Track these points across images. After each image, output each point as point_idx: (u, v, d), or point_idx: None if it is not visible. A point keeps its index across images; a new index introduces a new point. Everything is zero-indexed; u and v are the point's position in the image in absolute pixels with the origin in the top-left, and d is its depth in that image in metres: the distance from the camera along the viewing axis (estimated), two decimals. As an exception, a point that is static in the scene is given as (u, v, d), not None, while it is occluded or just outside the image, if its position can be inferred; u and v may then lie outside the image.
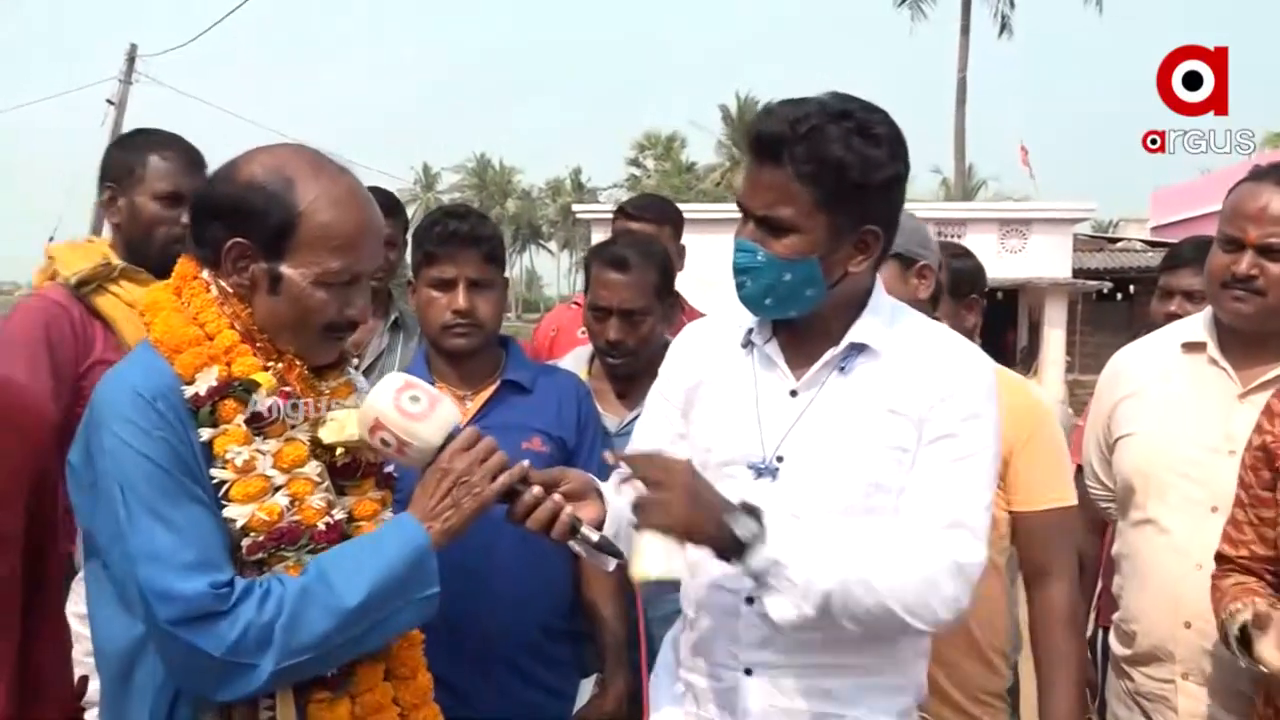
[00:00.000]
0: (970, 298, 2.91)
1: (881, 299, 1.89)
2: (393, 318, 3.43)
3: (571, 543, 1.70)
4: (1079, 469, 2.70)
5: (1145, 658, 2.42)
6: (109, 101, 20.93)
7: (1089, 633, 3.06)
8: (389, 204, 3.30)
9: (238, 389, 1.63)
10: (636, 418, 2.22)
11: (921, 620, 1.71)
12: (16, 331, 2.63)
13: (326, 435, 1.71)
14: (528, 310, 62.10)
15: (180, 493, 1.57)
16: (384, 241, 1.93)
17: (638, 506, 1.66)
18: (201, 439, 1.61)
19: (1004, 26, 38.97)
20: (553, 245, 79.59)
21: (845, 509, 1.78)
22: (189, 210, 1.80)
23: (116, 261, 2.71)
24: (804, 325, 1.86)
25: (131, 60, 21.18)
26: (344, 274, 1.68)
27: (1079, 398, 13.06)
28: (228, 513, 1.61)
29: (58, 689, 1.90)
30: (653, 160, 66.96)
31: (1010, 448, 2.34)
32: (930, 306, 2.49)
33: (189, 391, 1.62)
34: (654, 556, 1.65)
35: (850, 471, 1.78)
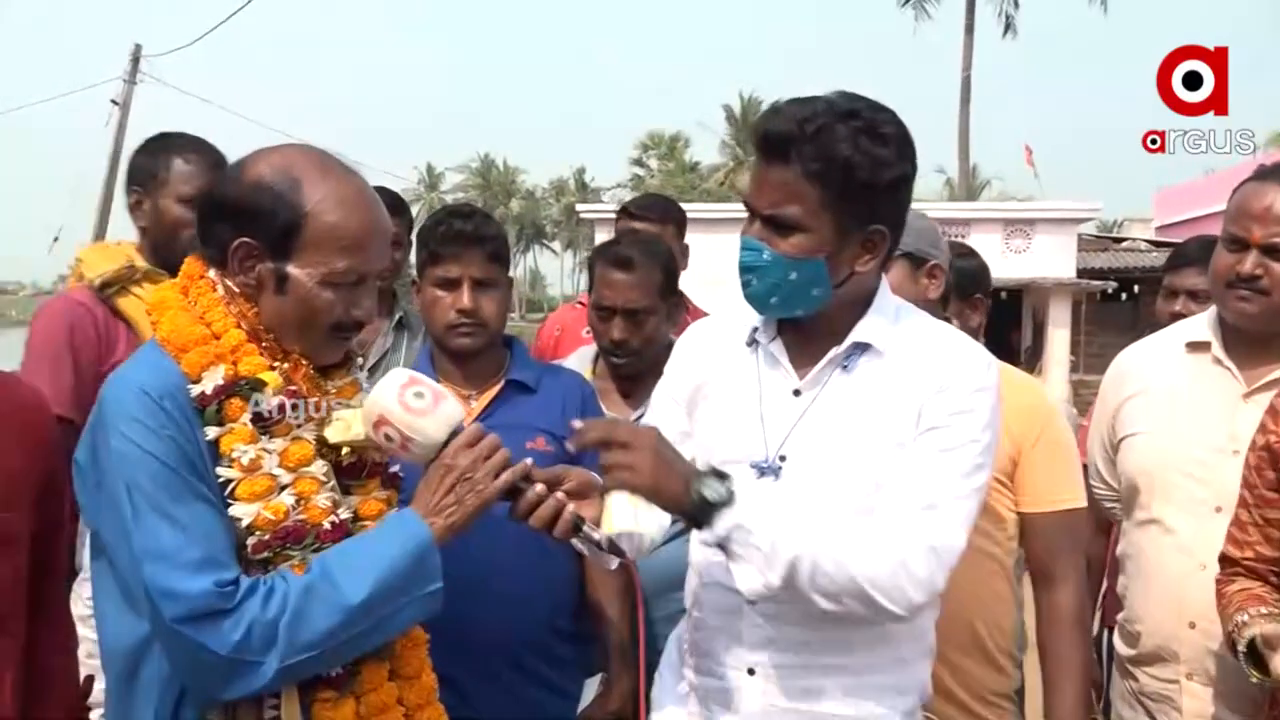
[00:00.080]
0: (975, 297, 2.91)
1: (886, 298, 1.89)
2: (397, 317, 3.43)
3: (574, 541, 1.70)
4: (1084, 469, 2.70)
5: (1150, 658, 2.42)
6: (114, 102, 20.96)
7: (1094, 633, 3.06)
8: (394, 204, 3.30)
9: (244, 388, 1.63)
10: (641, 417, 2.22)
11: (893, 601, 1.69)
12: (42, 332, 2.71)
13: (332, 434, 1.71)
14: (531, 310, 62.13)
15: (186, 491, 1.57)
16: (391, 242, 1.94)
17: (605, 468, 1.67)
18: (208, 438, 1.61)
19: (1008, 26, 38.92)
20: (556, 245, 79.67)
21: (848, 508, 1.77)
22: (196, 209, 1.80)
23: (140, 264, 2.76)
24: (809, 324, 1.86)
25: (136, 60, 21.20)
26: (350, 274, 1.69)
27: (1083, 398, 13.05)
28: (233, 511, 1.61)
29: (63, 689, 1.91)
30: (656, 160, 67.02)
31: (1019, 448, 2.34)
32: (940, 306, 2.49)
33: (195, 390, 1.62)
34: (621, 512, 1.66)
35: (853, 470, 1.78)
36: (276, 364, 1.69)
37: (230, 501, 1.61)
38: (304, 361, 1.73)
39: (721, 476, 1.69)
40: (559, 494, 1.69)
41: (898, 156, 1.75)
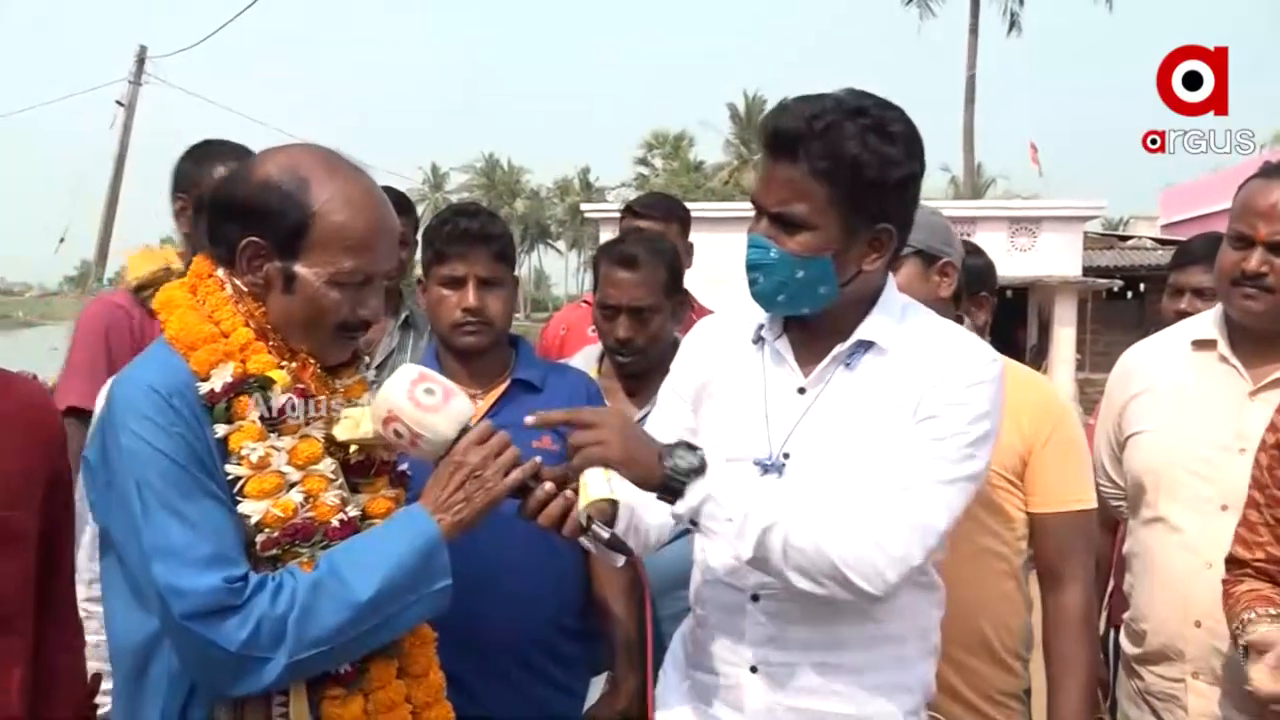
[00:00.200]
0: (981, 295, 2.90)
1: (892, 297, 1.89)
2: (403, 316, 3.43)
3: (582, 539, 1.70)
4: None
5: (1155, 656, 2.42)
6: (118, 103, 20.98)
7: (1100, 631, 3.05)
8: (400, 203, 3.31)
9: (253, 386, 1.64)
10: (646, 415, 2.22)
11: (867, 580, 1.68)
12: (80, 333, 2.87)
13: (340, 433, 1.72)
14: (536, 310, 62.16)
15: (196, 488, 1.58)
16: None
17: (573, 448, 1.68)
18: (217, 435, 1.62)
19: (1013, 24, 38.83)
20: (561, 245, 79.66)
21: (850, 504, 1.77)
22: (205, 209, 1.81)
23: (177, 266, 2.80)
24: (815, 322, 1.86)
25: (141, 62, 21.21)
26: (358, 274, 1.69)
27: (1089, 396, 13.03)
28: (242, 509, 1.61)
29: (70, 687, 1.91)
30: (661, 159, 66.98)
31: (1029, 447, 2.33)
32: (953, 305, 2.48)
33: (204, 388, 1.63)
34: (596, 483, 1.67)
35: (855, 467, 1.78)
36: (284, 363, 1.70)
37: (239, 499, 1.62)
38: (311, 361, 1.73)
39: (692, 448, 1.70)
40: (567, 492, 1.70)
41: (906, 155, 1.75)
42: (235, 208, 1.69)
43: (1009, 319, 19.04)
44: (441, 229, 2.50)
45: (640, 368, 2.80)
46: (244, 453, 1.62)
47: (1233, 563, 2.12)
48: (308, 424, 1.69)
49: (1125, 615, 2.57)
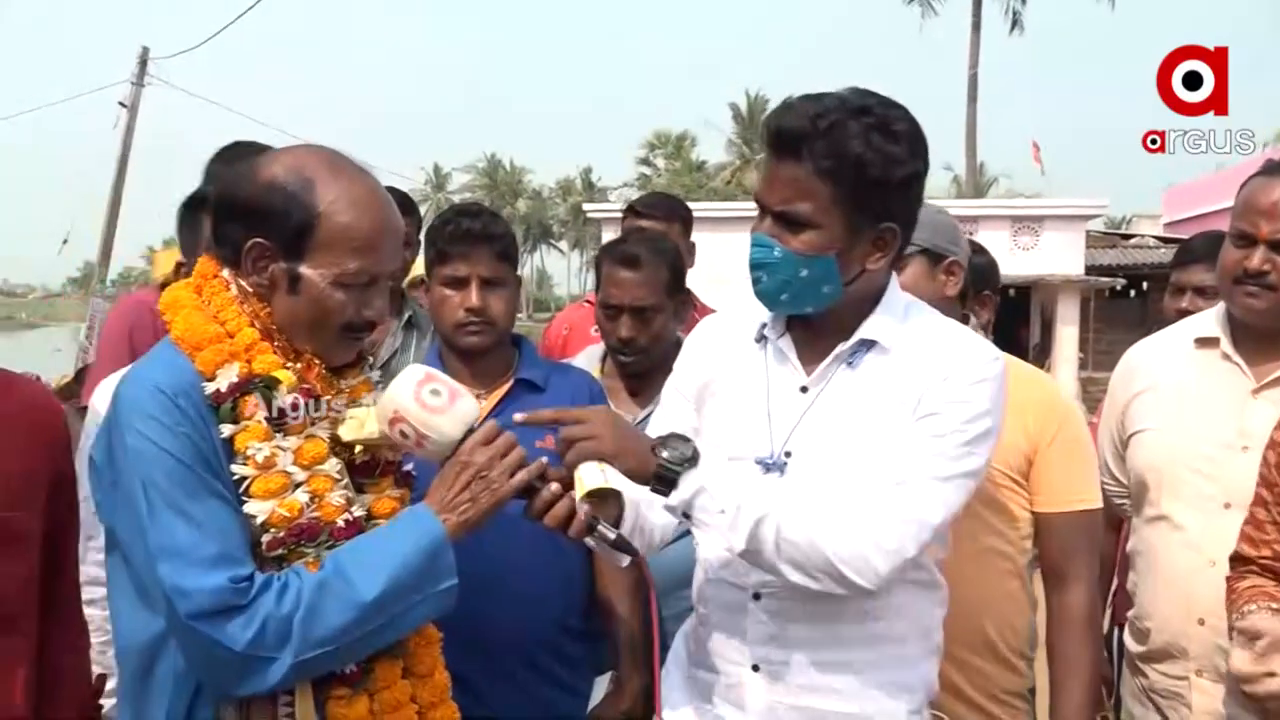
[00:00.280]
0: (984, 294, 2.90)
1: (895, 296, 1.89)
2: (406, 316, 3.44)
3: (588, 539, 1.71)
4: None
5: (1159, 654, 2.42)
6: (121, 104, 21.01)
7: (1104, 630, 3.06)
8: (403, 203, 3.31)
9: (258, 386, 1.64)
10: (649, 415, 2.22)
11: (858, 573, 1.69)
12: (107, 330, 3.05)
13: (346, 433, 1.72)
14: (539, 310, 62.15)
15: (201, 488, 1.58)
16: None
17: (566, 444, 1.69)
18: (222, 435, 1.62)
19: (1015, 23, 38.82)
20: (563, 245, 79.70)
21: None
22: (211, 210, 1.81)
23: None
24: (818, 321, 1.86)
25: (144, 63, 21.23)
26: (362, 275, 1.69)
27: (1092, 395, 13.01)
28: (248, 509, 1.62)
29: (74, 688, 1.92)
30: (663, 159, 67.01)
31: (1035, 446, 2.33)
32: (959, 304, 2.47)
33: (210, 388, 1.63)
34: (591, 475, 1.68)
35: (857, 466, 1.78)
36: (289, 363, 1.70)
37: (245, 499, 1.62)
38: (316, 361, 1.73)
39: (685, 439, 1.71)
40: (573, 493, 1.70)
41: (910, 154, 1.75)
42: (240, 208, 1.69)
43: (1012, 318, 19.00)
44: (444, 229, 2.50)
45: (643, 367, 2.80)
46: (250, 453, 1.62)
47: (1238, 560, 2.12)
48: (313, 424, 1.69)
49: (1129, 613, 2.57)
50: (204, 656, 1.57)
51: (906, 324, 1.86)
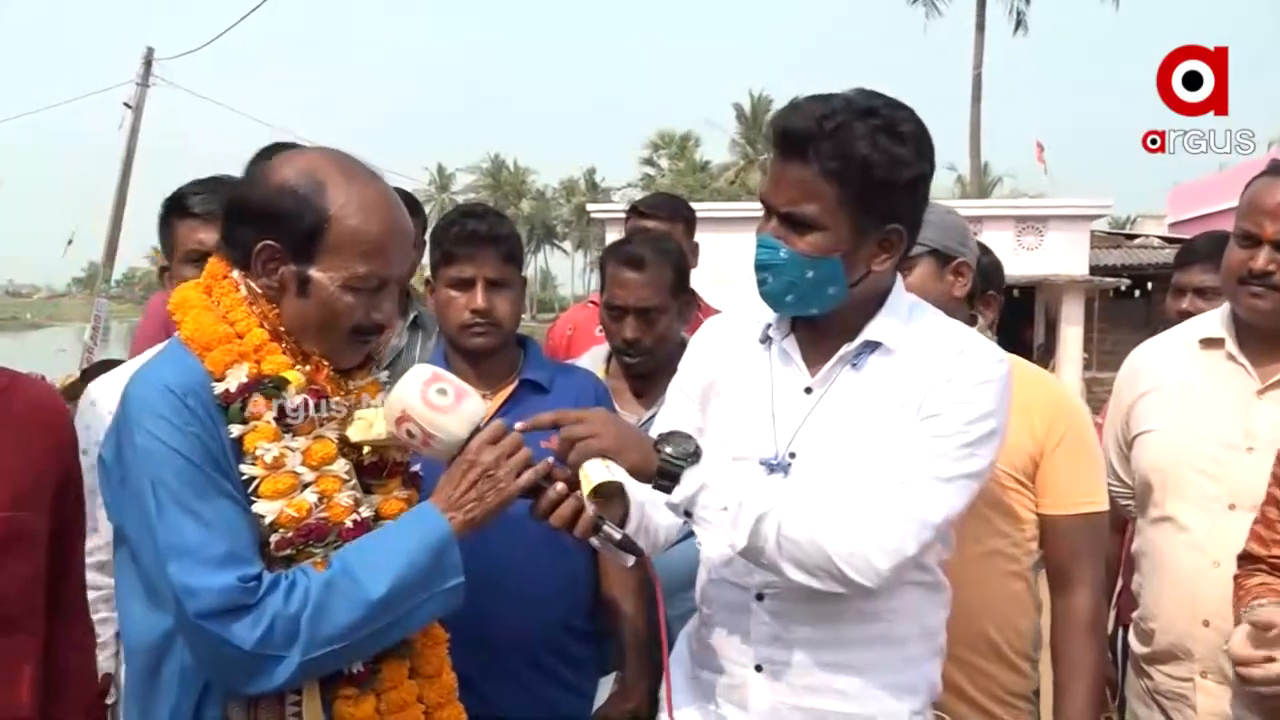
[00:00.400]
0: (988, 295, 2.90)
1: (900, 297, 1.89)
2: (411, 316, 3.44)
3: (593, 540, 1.71)
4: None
5: (1164, 656, 2.41)
6: (126, 105, 21.00)
7: (1109, 631, 3.05)
8: (410, 204, 3.31)
9: (268, 386, 1.65)
10: (654, 416, 2.22)
11: (859, 572, 1.69)
12: (141, 328, 3.13)
13: (354, 434, 1.73)
14: (543, 310, 62.15)
15: (210, 488, 1.58)
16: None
17: (567, 444, 1.69)
18: (231, 435, 1.63)
19: (1019, 23, 38.81)
20: (567, 245, 79.71)
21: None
22: (222, 212, 1.81)
23: None
24: (822, 322, 1.87)
25: (148, 64, 21.24)
26: (372, 279, 1.69)
27: (1096, 395, 12.97)
28: (257, 508, 1.62)
29: (80, 687, 1.92)
30: (667, 159, 67.00)
31: (1041, 448, 2.32)
32: (967, 304, 2.47)
33: (219, 388, 1.64)
34: (596, 470, 1.68)
35: (861, 467, 1.78)
36: (298, 364, 1.70)
37: (253, 499, 1.62)
38: (325, 363, 1.74)
39: (687, 436, 1.72)
40: (579, 493, 1.70)
41: (916, 155, 1.75)
42: (251, 211, 1.70)
43: (1016, 318, 18.95)
44: (450, 230, 2.51)
45: (648, 368, 2.81)
46: (258, 453, 1.63)
47: (1246, 558, 2.11)
48: (321, 425, 1.70)
49: (1134, 614, 2.57)
50: (212, 655, 1.57)
51: (911, 325, 1.86)
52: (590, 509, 1.69)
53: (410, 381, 1.68)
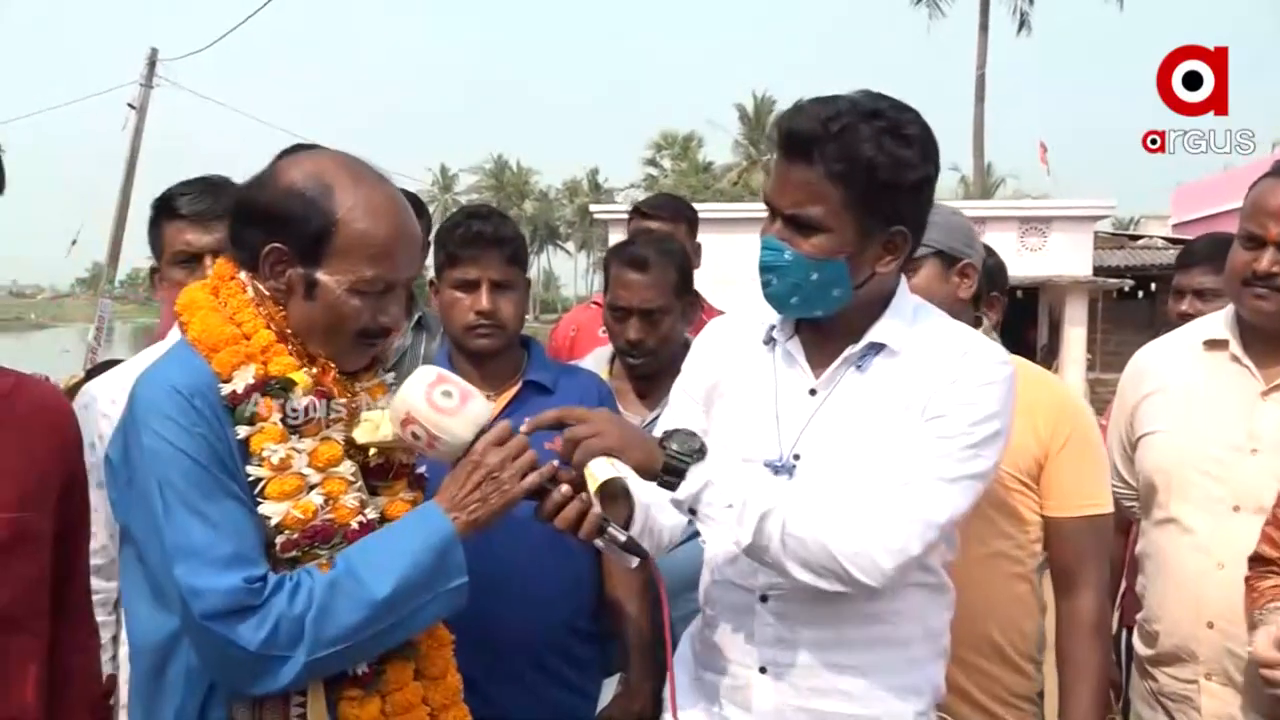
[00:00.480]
0: (991, 296, 2.90)
1: (905, 299, 1.89)
2: (416, 317, 3.44)
3: (597, 541, 1.71)
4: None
5: (1168, 658, 2.41)
6: (130, 105, 21.03)
7: (1113, 633, 3.05)
8: (415, 206, 3.31)
9: (274, 387, 1.65)
10: (657, 417, 2.22)
11: (863, 571, 1.69)
12: (163, 321, 2.98)
13: (360, 435, 1.73)
14: (545, 311, 62.18)
15: (217, 489, 1.59)
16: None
17: (571, 444, 1.69)
18: (238, 436, 1.63)
19: (1023, 23, 38.72)
20: (570, 246, 79.69)
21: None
22: (229, 213, 1.81)
23: None
24: (827, 324, 1.87)
25: (152, 64, 21.26)
26: (379, 282, 1.70)
27: (1100, 396, 12.98)
28: (263, 510, 1.63)
29: (84, 688, 1.92)
30: (670, 160, 67.00)
31: (1045, 450, 2.32)
32: (972, 306, 2.47)
33: (226, 389, 1.64)
34: (601, 468, 1.68)
35: (865, 469, 1.78)
36: (305, 366, 1.70)
37: (259, 500, 1.63)
38: (331, 365, 1.74)
39: (692, 433, 1.72)
40: (584, 494, 1.70)
41: (921, 157, 1.75)
42: (259, 213, 1.70)
43: (1019, 319, 18.93)
44: (454, 232, 2.51)
45: (651, 369, 2.81)
46: (265, 454, 1.63)
47: (1258, 560, 2.11)
48: (328, 426, 1.70)
49: (1138, 616, 2.57)
50: (218, 656, 1.57)
51: (915, 327, 1.86)
52: (596, 507, 1.69)
53: (415, 383, 1.68)
